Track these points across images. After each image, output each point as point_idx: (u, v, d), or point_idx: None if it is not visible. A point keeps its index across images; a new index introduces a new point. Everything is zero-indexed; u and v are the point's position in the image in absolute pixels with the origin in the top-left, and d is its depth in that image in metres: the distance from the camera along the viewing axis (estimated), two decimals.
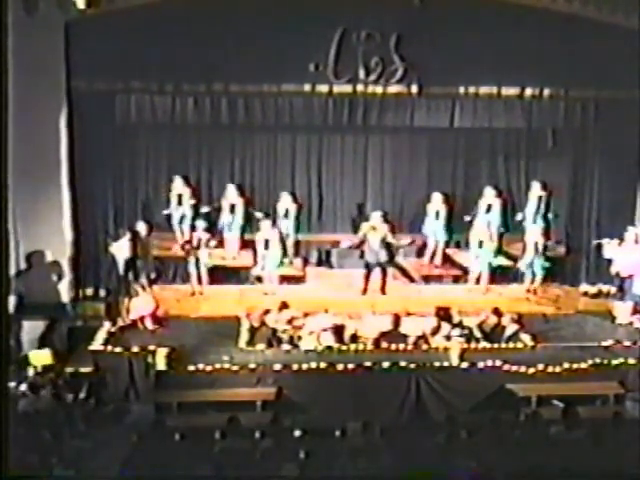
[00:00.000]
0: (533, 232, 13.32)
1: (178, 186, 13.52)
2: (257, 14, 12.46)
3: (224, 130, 13.74)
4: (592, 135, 13.87)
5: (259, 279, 13.19)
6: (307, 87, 13.19)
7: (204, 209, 13.56)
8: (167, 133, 13.62)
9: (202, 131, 13.67)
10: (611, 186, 13.95)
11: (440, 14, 12.61)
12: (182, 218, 13.56)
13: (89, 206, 13.37)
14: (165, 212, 13.61)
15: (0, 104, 8.73)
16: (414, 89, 13.22)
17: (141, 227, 12.93)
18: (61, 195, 12.95)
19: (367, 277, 12.77)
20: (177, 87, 13.08)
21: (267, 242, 12.86)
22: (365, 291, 12.78)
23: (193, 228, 13.32)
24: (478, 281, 13.16)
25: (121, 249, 12.39)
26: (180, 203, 13.53)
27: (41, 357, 11.05)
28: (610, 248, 12.88)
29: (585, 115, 13.70)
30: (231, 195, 13.63)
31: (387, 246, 12.68)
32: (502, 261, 13.34)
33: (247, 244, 13.55)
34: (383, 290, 12.76)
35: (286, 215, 13.62)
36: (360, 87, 13.24)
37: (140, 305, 11.96)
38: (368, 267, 12.73)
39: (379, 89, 13.25)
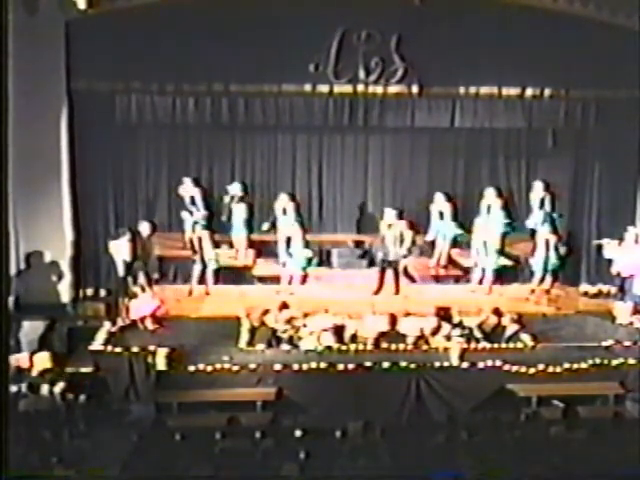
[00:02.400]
0: (543, 231, 13.30)
1: (189, 188, 13.44)
2: (257, 14, 12.47)
3: (224, 130, 13.74)
4: (592, 135, 13.88)
5: (260, 279, 13.20)
6: (307, 87, 13.20)
7: None
8: (167, 133, 13.63)
9: (202, 131, 13.67)
10: (611, 186, 13.95)
11: (440, 14, 12.62)
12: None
13: (89, 206, 13.37)
14: (184, 214, 13.36)
15: (0, 104, 8.72)
16: (414, 89, 13.22)
17: (144, 227, 12.92)
18: (61, 195, 12.95)
19: (382, 276, 12.65)
20: (177, 87, 13.09)
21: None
22: (379, 291, 12.66)
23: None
24: (481, 282, 13.12)
25: (120, 249, 12.38)
26: (194, 203, 13.43)
27: (40, 360, 11.04)
28: (610, 248, 12.87)
29: (585, 115, 13.70)
30: (235, 192, 13.57)
31: (402, 243, 12.61)
32: (504, 261, 13.31)
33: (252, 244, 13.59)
34: (397, 289, 12.71)
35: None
36: (360, 87, 13.24)
37: (140, 305, 11.96)
38: (383, 266, 12.64)
39: (379, 89, 13.26)
